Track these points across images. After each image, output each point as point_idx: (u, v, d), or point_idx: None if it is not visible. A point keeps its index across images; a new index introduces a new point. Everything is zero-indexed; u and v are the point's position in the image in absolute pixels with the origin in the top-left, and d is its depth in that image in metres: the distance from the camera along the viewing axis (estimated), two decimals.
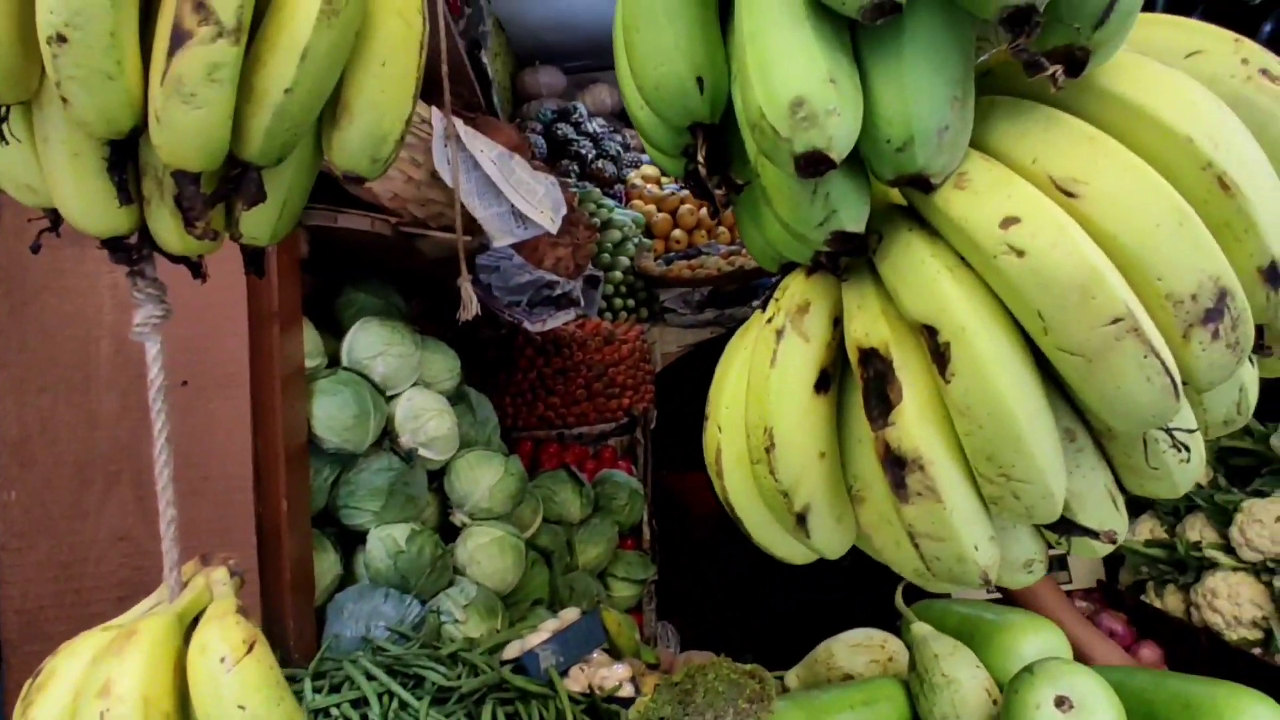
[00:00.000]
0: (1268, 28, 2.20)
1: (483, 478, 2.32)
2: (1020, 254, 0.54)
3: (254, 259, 0.91)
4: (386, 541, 2.08)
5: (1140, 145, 0.56)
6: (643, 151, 5.02)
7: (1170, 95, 0.56)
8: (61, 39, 0.63)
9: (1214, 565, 2.12)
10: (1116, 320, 0.52)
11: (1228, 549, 2.12)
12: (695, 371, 3.87)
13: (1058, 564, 2.53)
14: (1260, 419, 2.17)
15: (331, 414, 2.08)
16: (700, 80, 0.64)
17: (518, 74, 5.33)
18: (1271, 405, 2.16)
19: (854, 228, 0.61)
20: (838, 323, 0.68)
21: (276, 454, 1.93)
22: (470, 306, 2.03)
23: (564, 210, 2.30)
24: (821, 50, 0.54)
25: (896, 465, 0.60)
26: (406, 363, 2.28)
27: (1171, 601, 2.23)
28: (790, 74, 0.54)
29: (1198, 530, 2.19)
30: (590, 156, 4.66)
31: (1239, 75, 0.61)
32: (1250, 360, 0.65)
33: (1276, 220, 0.54)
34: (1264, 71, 0.60)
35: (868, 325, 0.63)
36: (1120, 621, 2.30)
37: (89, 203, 0.78)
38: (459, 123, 2.16)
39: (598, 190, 4.32)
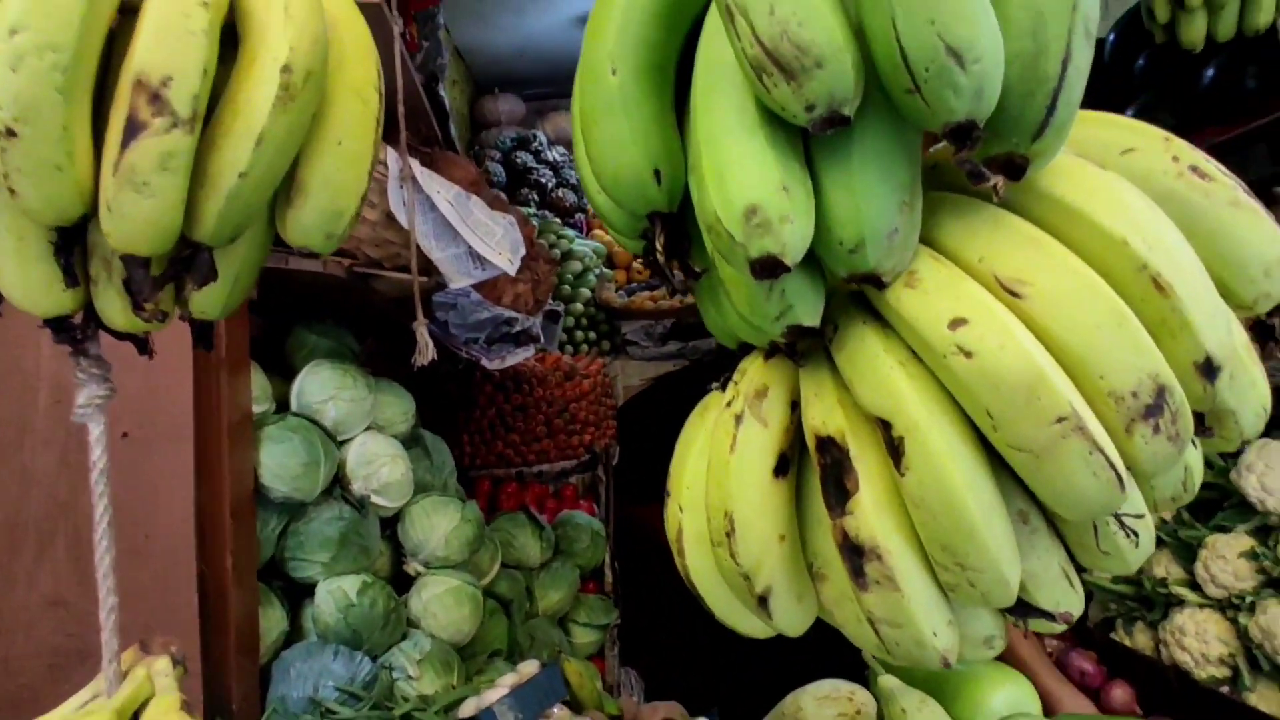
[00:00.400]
0: (1210, 73, 2.30)
1: (438, 525, 2.32)
2: (969, 355, 0.57)
3: (203, 333, 0.92)
4: (336, 594, 2.07)
5: (1080, 246, 0.60)
6: None
7: (1106, 198, 0.60)
8: (10, 133, 0.65)
9: (1181, 602, 2.19)
10: (1062, 419, 0.56)
11: (1194, 585, 2.19)
12: (658, 404, 3.91)
13: None
14: (1221, 454, 2.25)
15: (280, 462, 2.08)
16: (658, 172, 0.68)
17: (476, 101, 5.36)
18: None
19: (810, 322, 0.65)
20: (795, 406, 0.71)
21: (222, 507, 1.92)
22: (426, 352, 2.05)
23: (523, 251, 2.33)
24: (775, 158, 0.58)
25: (854, 554, 0.63)
26: (359, 407, 2.29)
27: (1141, 639, 2.29)
28: (744, 182, 0.57)
29: (1164, 566, 2.26)
30: (550, 185, 4.70)
31: (1170, 172, 0.66)
32: (1193, 442, 0.70)
33: (1208, 317, 0.59)
34: (1193, 168, 0.65)
35: (824, 414, 0.67)
36: (1090, 660, 2.36)
37: (33, 285, 0.79)
38: (415, 163, 2.18)
39: (558, 220, 4.35)
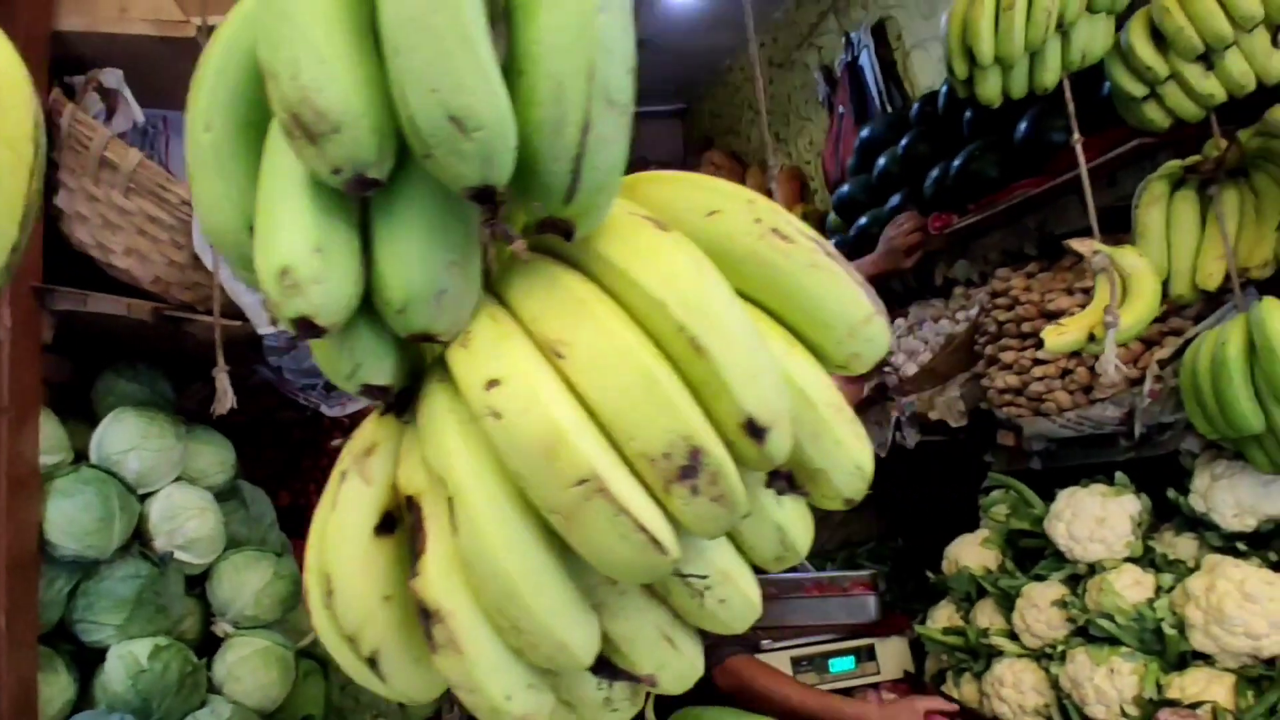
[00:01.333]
0: (1023, 126, 2.43)
1: (248, 581, 2.27)
2: (498, 416, 0.59)
3: None
4: (127, 659, 2.01)
5: (631, 307, 0.63)
6: None
7: (653, 261, 0.63)
8: None
9: (1001, 652, 2.26)
10: (583, 481, 0.58)
11: (1013, 635, 2.26)
12: None
13: (866, 654, 2.63)
14: (1043, 497, 2.33)
15: (70, 517, 2.02)
16: (253, 227, 0.69)
17: None
18: (1046, 482, 2.32)
19: (380, 381, 0.66)
20: None
21: None
22: (225, 400, 2.01)
23: None
24: (314, 220, 0.59)
25: (425, 616, 0.64)
26: (165, 457, 2.23)
27: (968, 691, 2.35)
28: (279, 244, 0.59)
29: (987, 616, 2.33)
30: None
31: (753, 233, 0.69)
32: (780, 501, 0.73)
33: (749, 378, 0.62)
34: (774, 230, 0.69)
35: (410, 471, 0.68)
36: None
37: None
38: None
39: None
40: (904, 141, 2.97)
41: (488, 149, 0.55)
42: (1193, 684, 1.91)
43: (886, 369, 2.36)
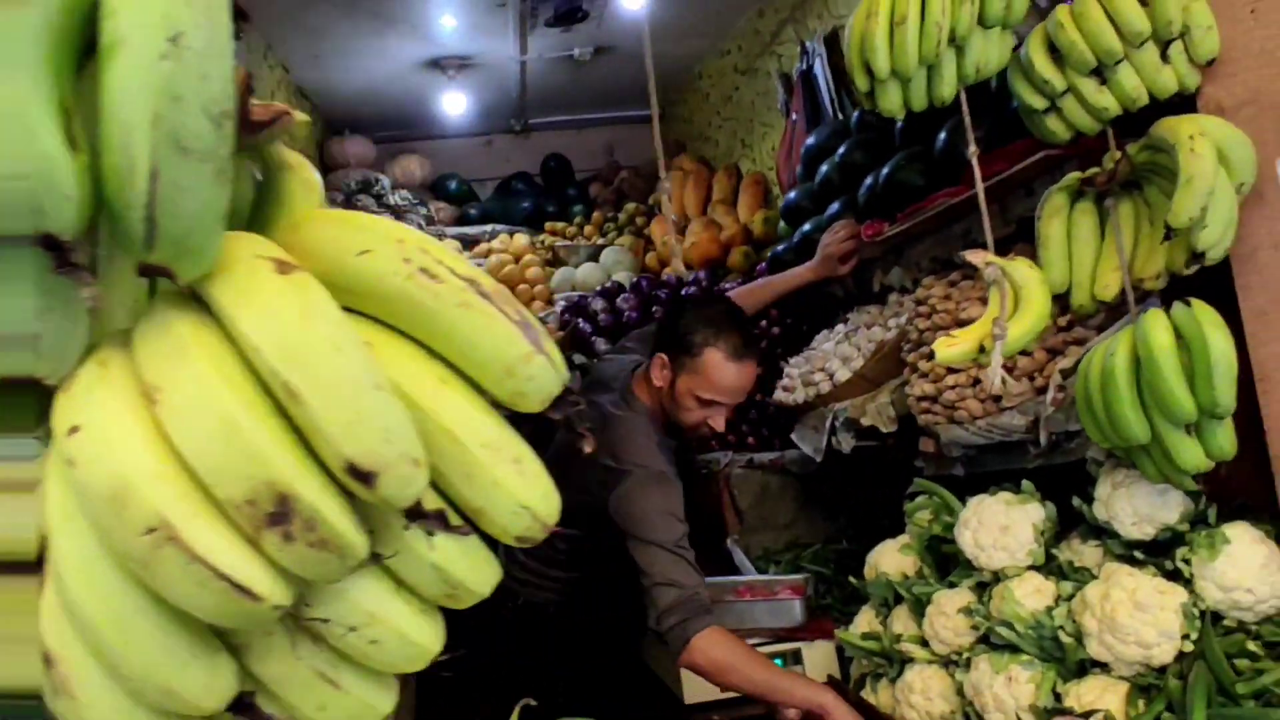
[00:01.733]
0: (942, 137, 2.38)
1: None
2: (72, 464, 0.57)
3: None
4: None
5: (241, 352, 0.61)
6: (449, 225, 5.11)
7: (257, 306, 0.60)
8: None
9: (912, 659, 2.21)
10: (151, 530, 0.56)
11: (924, 642, 2.21)
12: None
13: (793, 658, 2.60)
14: (962, 500, 2.28)
15: None
16: None
17: (325, 142, 5.40)
18: (969, 488, 2.27)
19: None
20: None
21: None
22: None
23: None
24: None
25: (45, 660, 0.63)
26: None
27: (884, 696, 2.31)
28: None
29: (902, 623, 2.29)
30: None
31: (401, 273, 0.67)
32: (432, 542, 0.70)
33: (350, 425, 0.59)
34: (423, 270, 0.66)
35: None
36: None
37: None
38: None
39: None
40: (841, 150, 2.93)
41: (33, 199, 0.53)
42: (1088, 692, 1.86)
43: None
